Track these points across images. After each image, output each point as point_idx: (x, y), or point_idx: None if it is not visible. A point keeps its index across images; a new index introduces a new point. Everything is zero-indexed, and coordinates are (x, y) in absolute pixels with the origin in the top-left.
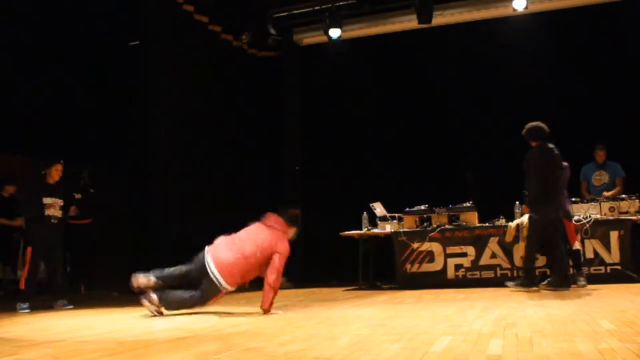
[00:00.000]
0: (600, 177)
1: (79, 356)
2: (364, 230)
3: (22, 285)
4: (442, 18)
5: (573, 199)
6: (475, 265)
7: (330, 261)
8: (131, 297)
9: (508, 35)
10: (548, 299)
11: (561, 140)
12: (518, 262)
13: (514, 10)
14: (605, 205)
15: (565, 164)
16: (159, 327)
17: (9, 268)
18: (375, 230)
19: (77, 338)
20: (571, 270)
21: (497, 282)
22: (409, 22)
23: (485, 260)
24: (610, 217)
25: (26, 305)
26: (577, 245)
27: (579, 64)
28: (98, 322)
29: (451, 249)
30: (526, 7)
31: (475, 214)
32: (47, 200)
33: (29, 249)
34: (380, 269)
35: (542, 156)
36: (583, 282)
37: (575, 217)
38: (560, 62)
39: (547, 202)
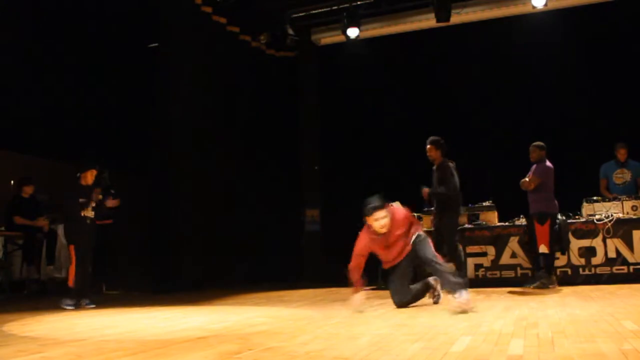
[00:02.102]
0: (622, 175)
1: (101, 355)
2: None
3: (70, 283)
4: (460, 16)
5: (594, 198)
6: (495, 264)
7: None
8: (151, 297)
9: (528, 33)
10: (570, 299)
11: (580, 137)
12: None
13: (534, 7)
14: (628, 204)
15: (548, 164)
16: (179, 326)
17: (34, 267)
18: None
19: (99, 337)
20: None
21: (518, 282)
22: (427, 21)
23: (505, 259)
24: (633, 216)
25: (72, 302)
26: (543, 249)
27: (599, 61)
28: (119, 322)
29: (471, 249)
30: (546, 4)
31: (495, 214)
32: (82, 201)
33: (72, 247)
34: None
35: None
36: (538, 284)
37: (597, 216)
38: (581, 60)
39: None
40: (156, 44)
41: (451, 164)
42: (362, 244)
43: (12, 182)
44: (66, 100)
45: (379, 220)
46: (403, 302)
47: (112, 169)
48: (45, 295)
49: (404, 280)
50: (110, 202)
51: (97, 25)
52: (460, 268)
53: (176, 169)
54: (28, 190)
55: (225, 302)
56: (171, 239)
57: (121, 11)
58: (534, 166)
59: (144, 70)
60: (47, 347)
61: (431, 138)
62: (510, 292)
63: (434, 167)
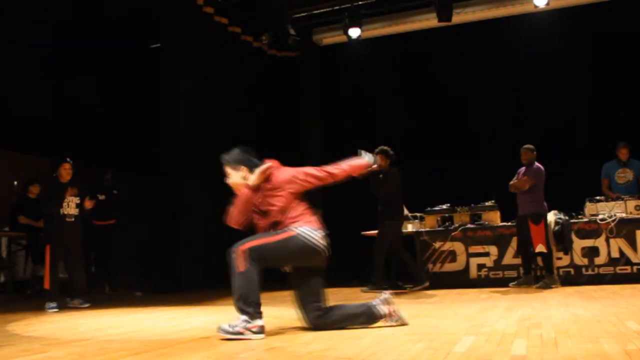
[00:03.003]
0: (624, 175)
1: (105, 355)
2: None
3: (46, 285)
4: (462, 16)
5: (597, 198)
6: (497, 264)
7: (352, 261)
8: (154, 297)
9: (530, 33)
10: (573, 299)
11: (582, 137)
12: (539, 261)
13: (535, 7)
14: (631, 204)
15: (539, 166)
16: (182, 326)
17: (40, 266)
18: None
19: (102, 337)
20: (539, 272)
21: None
22: (428, 21)
23: (508, 259)
24: (637, 216)
25: (54, 304)
26: (541, 248)
27: (601, 60)
28: (122, 322)
29: (473, 249)
30: (548, 4)
31: (498, 213)
32: (51, 200)
33: (47, 248)
34: (402, 269)
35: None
36: (542, 284)
37: (600, 216)
38: (583, 59)
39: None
40: (158, 45)
41: (397, 172)
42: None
43: (15, 182)
44: (69, 101)
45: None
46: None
47: (115, 169)
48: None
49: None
50: (88, 203)
51: (99, 27)
52: (412, 271)
53: (178, 169)
54: (34, 191)
55: (228, 302)
56: (174, 238)
57: (123, 12)
58: (524, 168)
59: (146, 71)
60: (50, 346)
61: (380, 148)
62: (512, 292)
63: (380, 175)
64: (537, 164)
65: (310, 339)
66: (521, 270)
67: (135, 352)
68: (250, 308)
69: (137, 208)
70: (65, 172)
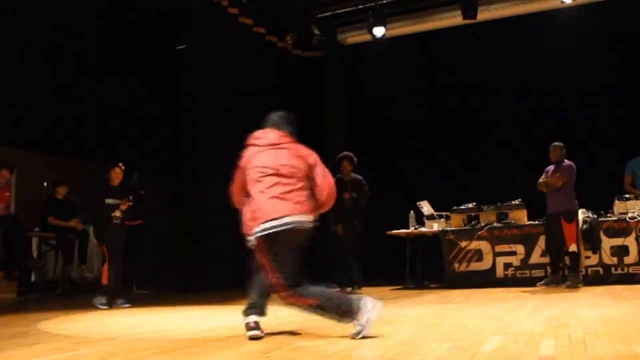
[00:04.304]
0: None
1: (133, 353)
2: (411, 229)
3: (104, 281)
4: (487, 13)
5: (626, 196)
6: (524, 263)
7: (378, 260)
8: (181, 297)
9: (556, 29)
10: (602, 299)
11: (610, 134)
12: (567, 260)
13: (562, 2)
14: None
15: (571, 163)
16: (209, 325)
17: (67, 267)
18: (423, 229)
19: (130, 336)
20: (566, 271)
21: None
22: (453, 19)
23: (535, 258)
24: None
25: (105, 300)
26: (573, 248)
27: (630, 57)
28: (150, 321)
29: (500, 248)
30: None
31: (525, 212)
32: (109, 201)
33: (104, 247)
34: (428, 268)
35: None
36: (569, 283)
37: (629, 214)
38: (609, 55)
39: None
40: (183, 46)
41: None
42: None
43: (45, 184)
44: (96, 103)
45: None
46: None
47: (142, 170)
48: (77, 295)
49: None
50: (124, 206)
51: (125, 29)
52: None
53: (203, 170)
54: (62, 192)
55: None
56: (199, 238)
57: (148, 14)
58: (553, 166)
59: (171, 72)
60: (80, 345)
61: (346, 154)
62: (540, 292)
63: (346, 179)
64: (567, 161)
65: (336, 339)
66: (549, 269)
67: (163, 350)
68: (347, 312)
69: (162, 208)
70: (115, 176)
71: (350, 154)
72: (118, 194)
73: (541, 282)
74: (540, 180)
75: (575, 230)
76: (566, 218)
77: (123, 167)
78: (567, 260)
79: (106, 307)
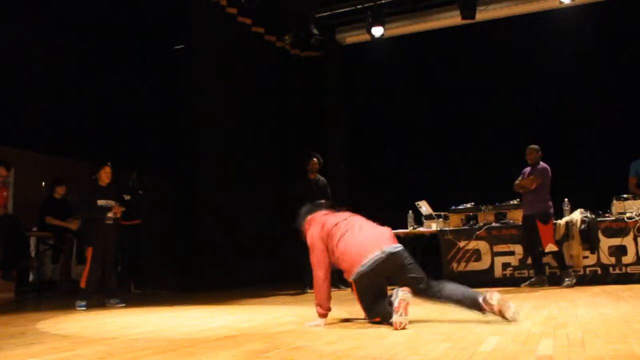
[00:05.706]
0: None
1: (132, 353)
2: (410, 229)
3: (82, 284)
4: (485, 13)
5: (624, 195)
6: (523, 263)
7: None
8: (179, 296)
9: (554, 30)
10: (600, 298)
11: (609, 134)
12: (568, 260)
13: (561, 2)
14: None
15: (545, 165)
16: (207, 325)
17: (64, 267)
18: (421, 229)
19: (129, 336)
20: (553, 271)
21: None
22: (452, 19)
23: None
24: None
25: (84, 303)
26: (551, 248)
27: (630, 57)
28: (148, 320)
29: (498, 248)
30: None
31: (523, 212)
32: (101, 202)
33: (90, 250)
34: (427, 268)
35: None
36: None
37: (628, 214)
38: (609, 56)
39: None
40: (182, 46)
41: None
42: None
43: (43, 183)
44: (95, 102)
45: None
46: None
47: (140, 170)
48: (76, 294)
49: None
50: (117, 210)
51: (124, 29)
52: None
53: (203, 169)
54: (60, 191)
55: (253, 301)
56: (198, 238)
57: (147, 14)
58: (529, 168)
59: (170, 72)
60: (78, 344)
61: (316, 153)
62: (538, 292)
63: (315, 179)
64: (542, 163)
65: (336, 338)
66: (547, 269)
67: (162, 350)
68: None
69: (161, 208)
70: (105, 175)
71: (317, 153)
72: (110, 194)
73: (525, 283)
74: (516, 182)
75: (552, 230)
76: (541, 219)
77: (111, 165)
78: (552, 260)
79: (84, 309)
